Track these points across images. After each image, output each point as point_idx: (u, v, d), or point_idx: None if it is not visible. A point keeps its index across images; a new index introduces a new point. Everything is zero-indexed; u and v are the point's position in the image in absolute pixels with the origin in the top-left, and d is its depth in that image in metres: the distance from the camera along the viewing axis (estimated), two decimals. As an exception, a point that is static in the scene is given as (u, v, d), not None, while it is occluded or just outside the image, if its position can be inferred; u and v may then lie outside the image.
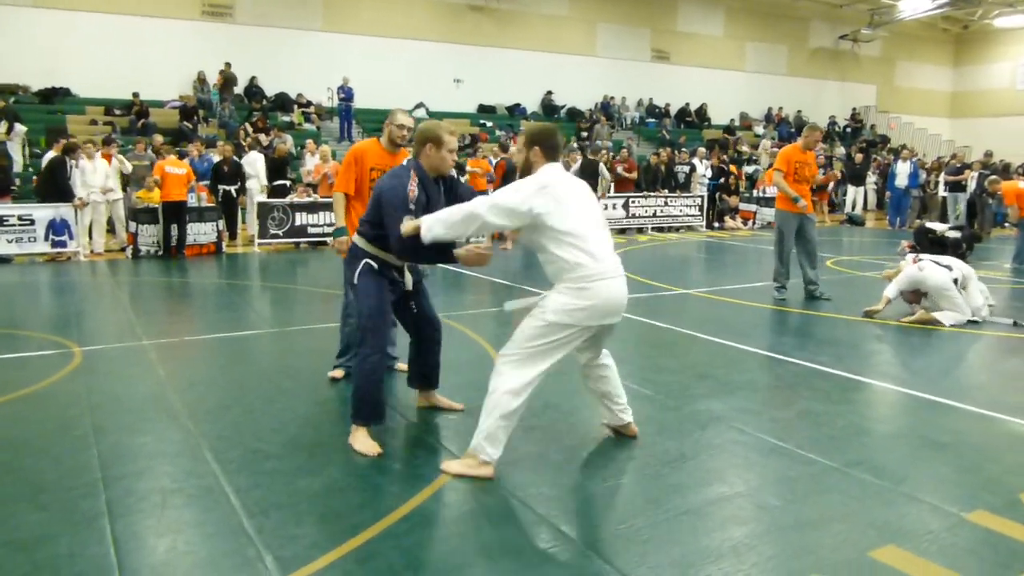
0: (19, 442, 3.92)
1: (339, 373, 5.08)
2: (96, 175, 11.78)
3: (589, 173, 14.30)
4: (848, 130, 29.18)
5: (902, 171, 17.78)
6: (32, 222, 11.14)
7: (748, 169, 20.46)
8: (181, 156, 13.33)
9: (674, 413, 4.46)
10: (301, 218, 12.75)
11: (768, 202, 17.83)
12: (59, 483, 3.42)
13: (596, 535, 2.98)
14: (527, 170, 3.64)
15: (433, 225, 3.51)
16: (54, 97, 17.89)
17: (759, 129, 26.99)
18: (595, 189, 14.29)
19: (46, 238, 11.24)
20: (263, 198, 13.14)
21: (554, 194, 3.43)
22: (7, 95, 17.22)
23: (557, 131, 3.76)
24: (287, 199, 13.01)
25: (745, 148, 23.67)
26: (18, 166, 14.85)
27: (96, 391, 4.81)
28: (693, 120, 26.41)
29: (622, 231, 16.04)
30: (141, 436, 4.04)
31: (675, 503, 3.27)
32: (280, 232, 12.67)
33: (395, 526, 3.03)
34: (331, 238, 5.06)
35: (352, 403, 3.93)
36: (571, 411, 4.47)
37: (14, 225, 11.04)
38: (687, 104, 26.45)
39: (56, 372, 5.23)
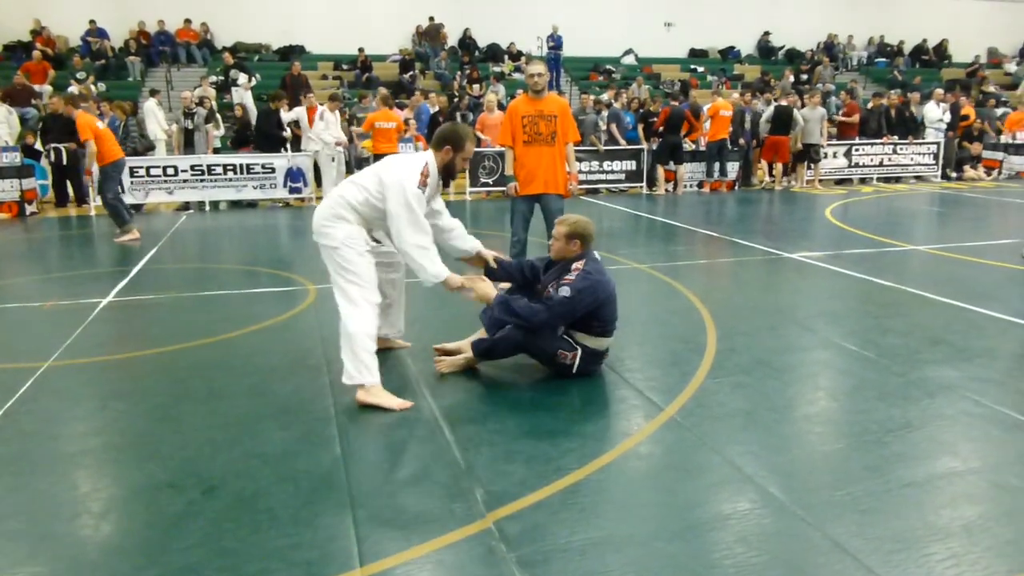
0: (266, 368, 4.40)
1: None
2: (334, 128, 12.57)
3: (783, 120, 13.38)
4: None
5: None
6: (273, 170, 12.32)
7: (997, 112, 18.18)
8: (400, 107, 14.03)
9: (900, 379, 4.13)
10: (510, 167, 13.01)
11: (1019, 149, 15.84)
12: (300, 406, 3.82)
13: (809, 500, 2.84)
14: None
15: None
16: (290, 55, 19.42)
17: (1011, 66, 23.80)
18: (788, 133, 13.30)
19: (284, 184, 12.40)
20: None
21: None
22: (252, 54, 18.96)
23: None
24: (496, 148, 13.35)
25: (992, 88, 21.02)
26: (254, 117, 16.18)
27: (327, 325, 5.24)
28: (930, 58, 23.80)
29: (841, 181, 14.94)
30: (366, 369, 4.38)
31: (898, 474, 3.04)
32: (490, 181, 13.09)
33: (598, 472, 3.08)
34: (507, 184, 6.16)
35: None
36: (783, 368, 4.28)
37: (258, 173, 12.28)
38: (924, 40, 23.83)
39: (295, 307, 5.79)
